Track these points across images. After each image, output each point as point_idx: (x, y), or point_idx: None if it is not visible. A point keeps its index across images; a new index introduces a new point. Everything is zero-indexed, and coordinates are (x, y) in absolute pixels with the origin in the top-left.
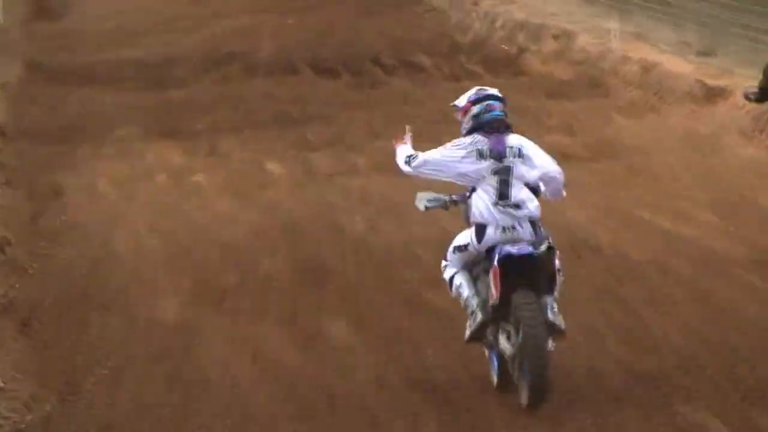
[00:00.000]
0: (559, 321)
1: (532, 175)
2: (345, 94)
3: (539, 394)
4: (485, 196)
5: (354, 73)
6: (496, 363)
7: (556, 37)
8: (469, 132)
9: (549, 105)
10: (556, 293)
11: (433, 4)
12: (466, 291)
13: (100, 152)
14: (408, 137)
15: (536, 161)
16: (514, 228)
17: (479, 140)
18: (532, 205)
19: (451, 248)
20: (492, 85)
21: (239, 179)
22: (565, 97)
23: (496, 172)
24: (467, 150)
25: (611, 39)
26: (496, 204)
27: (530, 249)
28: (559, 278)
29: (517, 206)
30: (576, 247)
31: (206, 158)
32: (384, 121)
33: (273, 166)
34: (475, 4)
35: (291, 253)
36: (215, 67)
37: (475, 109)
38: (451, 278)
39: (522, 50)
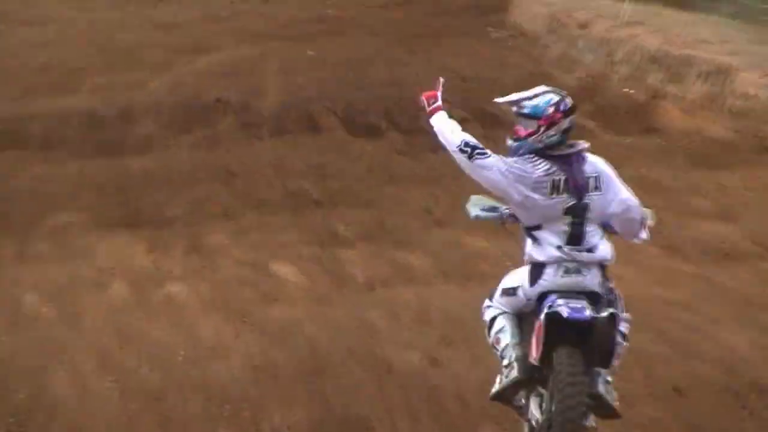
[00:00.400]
0: (612, 397)
1: (609, 211)
2: (391, 161)
3: None
4: (552, 239)
5: (404, 130)
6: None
7: (706, 76)
8: (539, 152)
9: (696, 177)
10: (615, 362)
11: (522, 27)
12: (507, 338)
13: (28, 250)
14: (440, 89)
15: (614, 192)
16: (579, 272)
17: (555, 170)
18: (606, 248)
19: (498, 290)
20: (614, 147)
21: (233, 290)
22: (719, 166)
23: (570, 211)
24: (535, 178)
25: None
26: (561, 248)
27: (587, 315)
28: (621, 348)
29: (590, 251)
30: (739, 390)
31: (184, 258)
32: (449, 201)
33: (284, 270)
34: (584, 27)
35: (312, 404)
36: (198, 123)
37: (566, 123)
38: (493, 319)
39: (655, 95)
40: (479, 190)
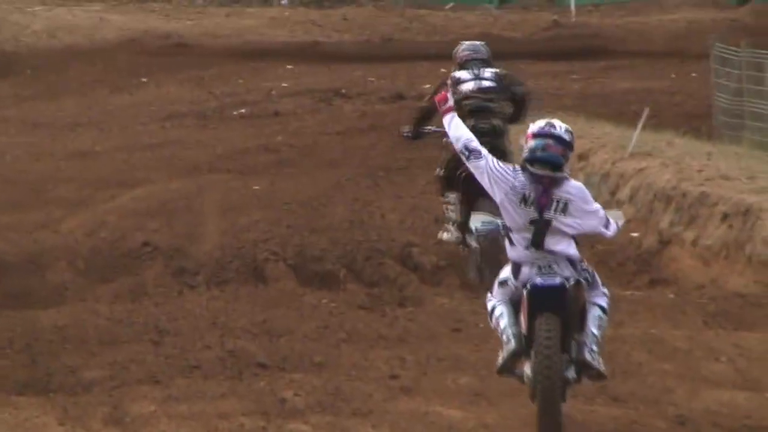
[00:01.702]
0: (597, 362)
1: (573, 232)
2: (350, 317)
3: (548, 425)
4: (520, 241)
5: (367, 281)
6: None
7: (725, 218)
8: (522, 165)
9: (712, 338)
10: (595, 330)
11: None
12: (504, 320)
13: None
14: (449, 91)
15: (579, 219)
16: (550, 266)
17: (527, 185)
18: (568, 250)
19: (496, 283)
20: (617, 302)
21: None
22: (740, 325)
23: (533, 223)
24: (513, 187)
25: None
26: (528, 248)
27: (558, 280)
28: (603, 317)
29: (552, 253)
30: None
31: (104, 431)
32: (417, 364)
33: None
34: (584, 158)
35: None
36: (120, 271)
37: (532, 143)
38: (493, 308)
39: (666, 240)
40: None
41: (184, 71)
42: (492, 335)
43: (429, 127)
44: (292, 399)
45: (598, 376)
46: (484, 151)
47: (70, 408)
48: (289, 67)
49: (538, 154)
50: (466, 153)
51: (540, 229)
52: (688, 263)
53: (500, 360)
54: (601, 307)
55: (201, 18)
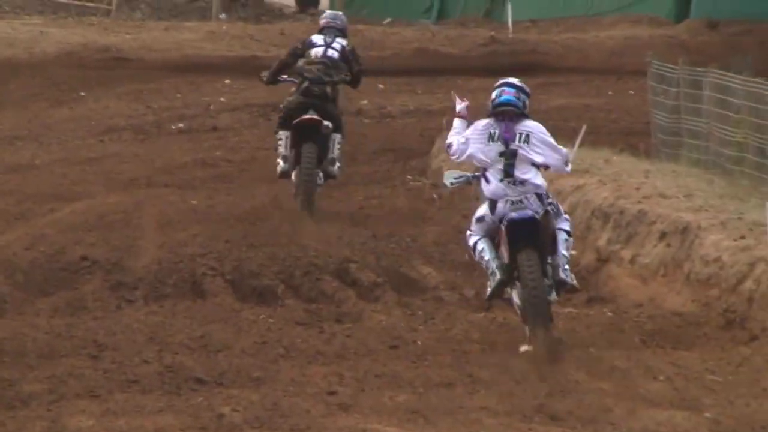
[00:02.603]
0: (570, 278)
1: (537, 159)
2: (288, 333)
3: (543, 343)
4: (495, 175)
5: (305, 296)
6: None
7: (663, 237)
8: (488, 116)
9: (650, 357)
10: (565, 252)
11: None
12: (487, 255)
13: None
14: (460, 104)
15: (541, 149)
16: (521, 201)
17: (492, 124)
18: (536, 179)
19: (473, 219)
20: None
21: None
22: (678, 344)
23: (502, 154)
24: (481, 132)
25: None
26: (502, 180)
27: (529, 213)
28: (569, 240)
29: (522, 183)
30: None
31: None
32: (356, 381)
33: None
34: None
35: None
36: (59, 285)
37: (493, 94)
38: (475, 244)
39: (604, 258)
40: None
41: (122, 85)
42: (429, 353)
43: (284, 77)
44: (230, 414)
45: (573, 289)
46: (454, 139)
47: (7, 422)
48: (227, 81)
49: (497, 99)
50: (447, 147)
51: (509, 160)
52: (626, 281)
53: (489, 289)
54: (566, 231)
55: (140, 32)
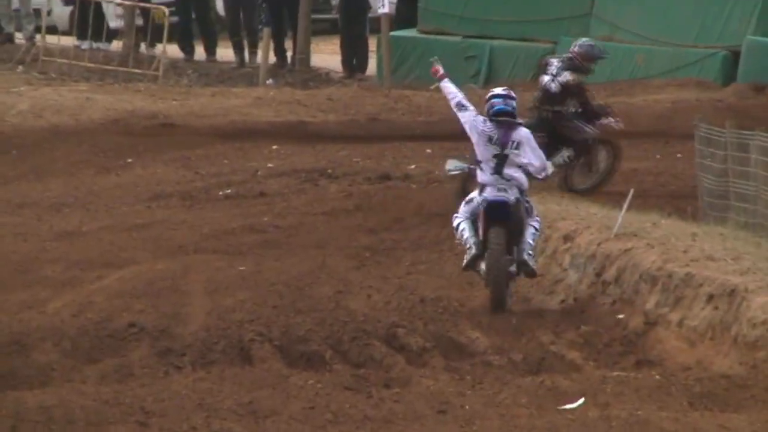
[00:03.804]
0: (532, 262)
1: (523, 161)
2: (336, 398)
3: (497, 303)
4: (487, 169)
5: (353, 361)
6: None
7: (710, 299)
8: (489, 118)
9: (698, 420)
10: (530, 241)
11: None
12: (466, 233)
13: None
14: (439, 66)
15: (528, 155)
16: (505, 190)
17: (492, 129)
18: (521, 178)
19: (463, 202)
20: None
21: None
22: (726, 407)
23: (496, 156)
24: (481, 132)
25: None
26: (492, 175)
27: (504, 197)
28: (536, 233)
29: (508, 180)
30: None
31: None
32: None
33: None
34: (569, 239)
35: None
36: (107, 351)
37: (485, 107)
38: (458, 224)
39: (651, 322)
40: None
41: (170, 151)
42: (477, 417)
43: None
44: None
45: (532, 273)
46: (470, 106)
47: None
48: (274, 147)
49: (492, 110)
50: (456, 107)
51: (500, 161)
52: (674, 344)
53: (465, 261)
54: (535, 227)
55: (187, 98)
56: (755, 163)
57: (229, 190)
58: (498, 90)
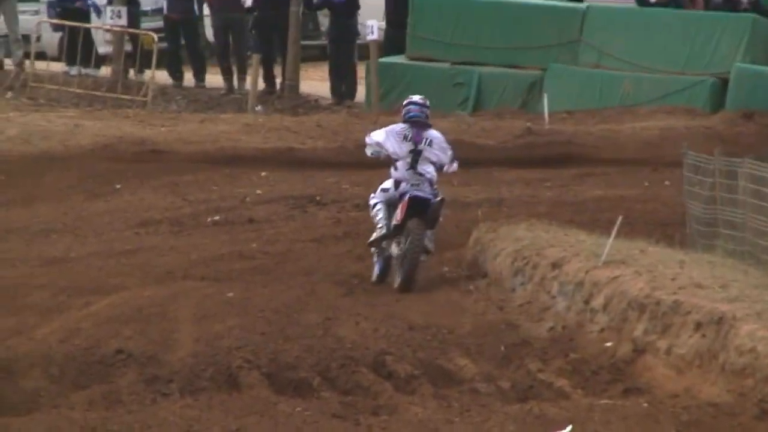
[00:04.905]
0: (432, 246)
1: (434, 159)
2: (324, 425)
3: (407, 283)
4: (403, 165)
5: (341, 388)
6: (380, 266)
7: (698, 327)
8: (403, 122)
9: None
10: (434, 229)
11: (483, 266)
12: (381, 214)
13: None
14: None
15: (438, 153)
16: (418, 185)
17: (406, 129)
18: (431, 173)
19: (379, 189)
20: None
21: None
22: None
23: (411, 152)
24: (397, 133)
25: None
26: (408, 170)
27: (431, 196)
28: (439, 221)
29: (421, 174)
30: None
31: None
32: None
33: None
34: (557, 267)
35: None
36: (94, 378)
37: (402, 111)
38: (375, 204)
39: (639, 349)
40: None
41: (158, 177)
42: None
43: None
44: None
45: (430, 252)
46: (374, 134)
47: None
48: (263, 173)
49: (408, 115)
50: (368, 144)
51: (415, 157)
52: (662, 372)
53: (373, 237)
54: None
55: (175, 124)
56: (743, 191)
57: (217, 217)
58: (416, 98)
